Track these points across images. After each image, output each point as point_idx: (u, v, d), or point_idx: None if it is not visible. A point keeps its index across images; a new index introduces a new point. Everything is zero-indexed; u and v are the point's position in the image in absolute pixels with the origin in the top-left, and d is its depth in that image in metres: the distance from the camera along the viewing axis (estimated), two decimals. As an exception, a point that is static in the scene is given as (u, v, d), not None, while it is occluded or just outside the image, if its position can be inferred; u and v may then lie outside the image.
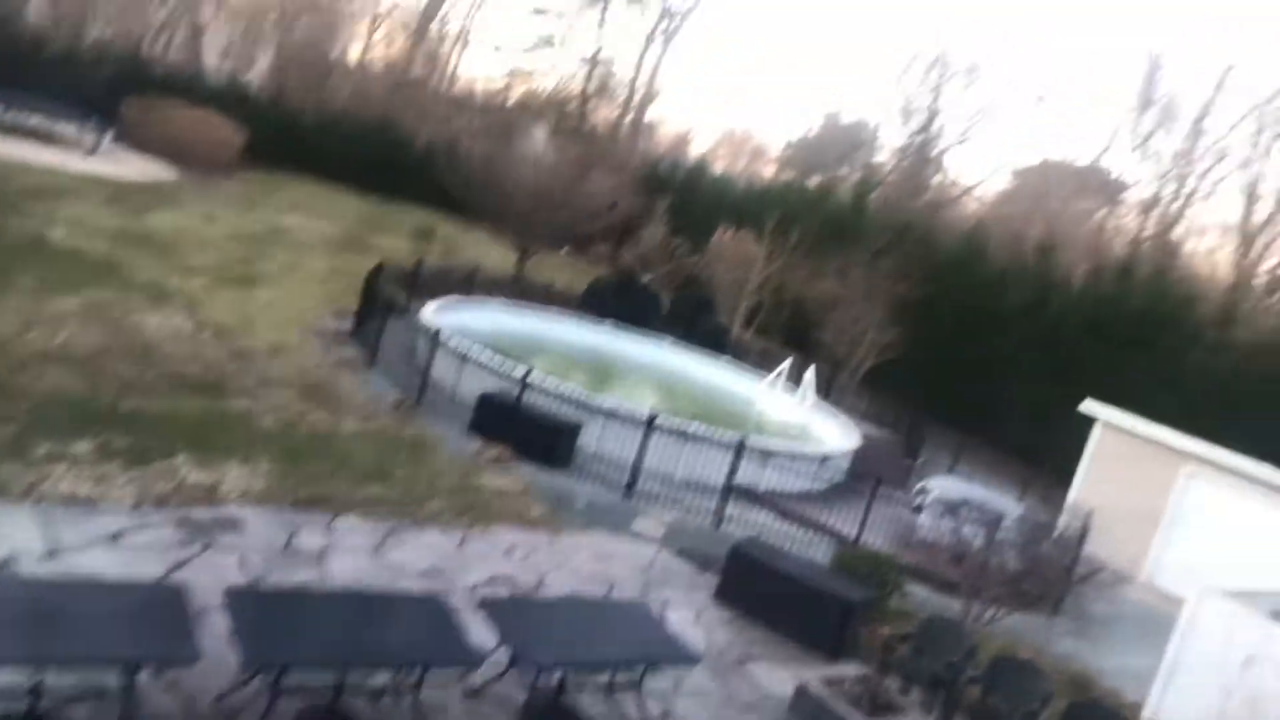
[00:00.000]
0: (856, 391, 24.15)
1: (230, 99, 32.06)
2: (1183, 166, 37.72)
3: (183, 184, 26.46)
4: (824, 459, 16.50)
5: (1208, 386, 22.35)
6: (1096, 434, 18.69)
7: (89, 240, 17.46)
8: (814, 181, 42.85)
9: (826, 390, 22.05)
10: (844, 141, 49.04)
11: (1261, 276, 34.20)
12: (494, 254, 27.46)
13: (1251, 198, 36.30)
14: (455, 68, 47.30)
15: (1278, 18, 40.90)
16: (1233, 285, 32.56)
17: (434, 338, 15.08)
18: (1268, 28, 41.42)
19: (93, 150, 25.99)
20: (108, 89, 27.80)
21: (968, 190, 45.72)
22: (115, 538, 7.67)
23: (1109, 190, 40.38)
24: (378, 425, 12.62)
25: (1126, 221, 39.65)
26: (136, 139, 28.02)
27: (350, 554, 8.75)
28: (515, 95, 46.80)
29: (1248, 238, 35.74)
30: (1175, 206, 37.89)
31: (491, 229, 28.50)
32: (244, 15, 38.56)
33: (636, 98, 48.81)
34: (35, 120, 25.81)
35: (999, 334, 26.02)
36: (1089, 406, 18.72)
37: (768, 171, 52.57)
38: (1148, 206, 38.65)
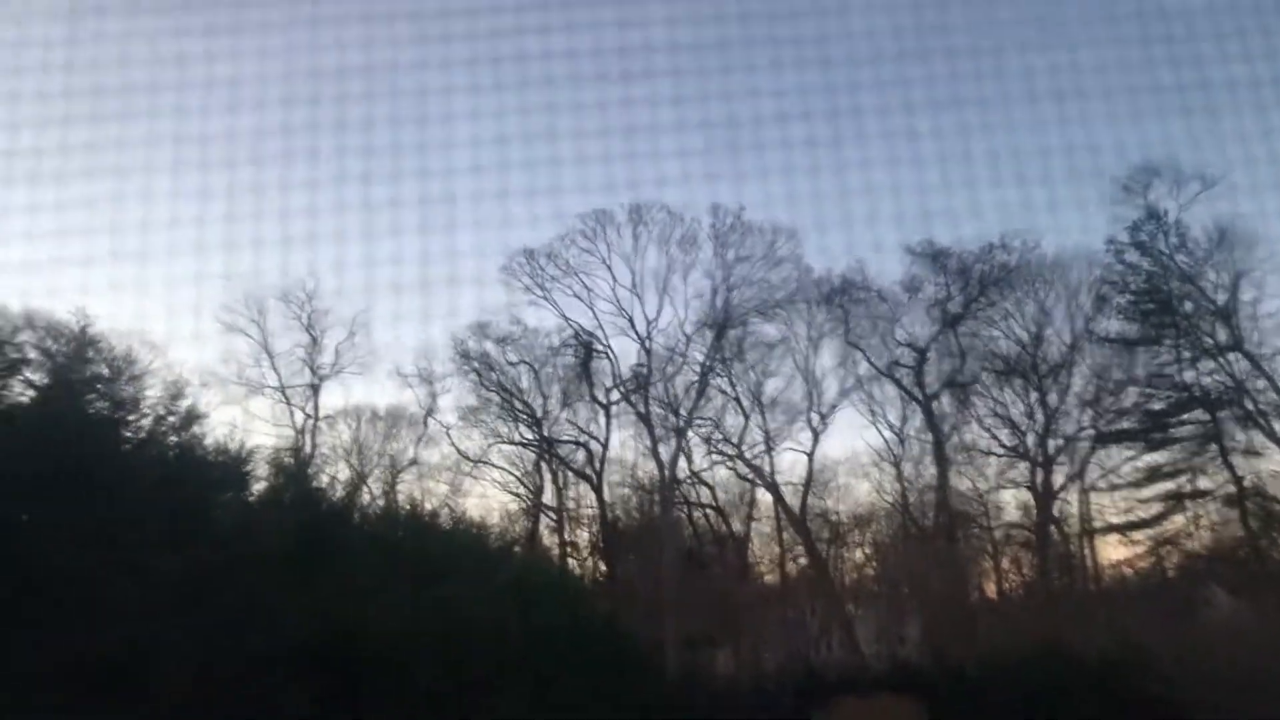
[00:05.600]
0: None
1: (901, 677, 33.49)
2: None
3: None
4: None
5: None
6: None
7: None
8: None
9: None
10: None
11: None
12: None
13: None
14: (1093, 562, 44.97)
15: None
16: None
17: None
18: None
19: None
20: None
21: None
22: None
23: None
24: None
25: None
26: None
27: None
28: (1170, 561, 42.54)
29: None
30: None
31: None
32: (882, 596, 41.45)
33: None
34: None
35: None
36: None
37: None
38: None
